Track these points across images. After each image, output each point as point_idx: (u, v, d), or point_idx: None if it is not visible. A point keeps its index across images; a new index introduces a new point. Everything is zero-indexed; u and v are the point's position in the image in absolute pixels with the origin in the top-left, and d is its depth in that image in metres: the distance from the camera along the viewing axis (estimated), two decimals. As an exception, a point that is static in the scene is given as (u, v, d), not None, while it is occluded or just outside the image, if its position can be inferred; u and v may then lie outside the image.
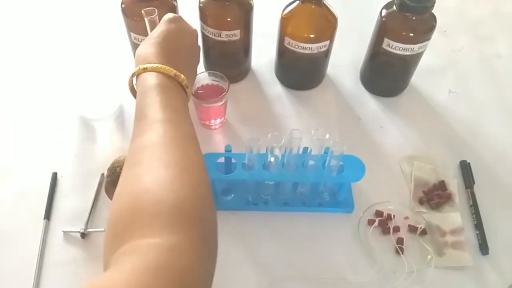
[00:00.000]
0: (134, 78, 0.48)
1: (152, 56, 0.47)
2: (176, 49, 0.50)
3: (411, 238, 0.61)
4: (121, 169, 0.58)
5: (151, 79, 0.45)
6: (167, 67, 0.46)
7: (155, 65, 0.46)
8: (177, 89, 0.47)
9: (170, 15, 0.53)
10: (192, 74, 0.54)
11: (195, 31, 0.55)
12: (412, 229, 0.61)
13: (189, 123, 0.44)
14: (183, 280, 0.29)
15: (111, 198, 0.60)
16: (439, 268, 0.58)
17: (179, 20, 0.53)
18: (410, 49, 0.67)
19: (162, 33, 0.50)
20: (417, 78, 0.77)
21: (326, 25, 0.68)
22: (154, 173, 0.36)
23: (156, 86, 0.44)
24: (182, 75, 0.47)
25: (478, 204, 0.63)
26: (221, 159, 0.60)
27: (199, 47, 0.57)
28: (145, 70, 0.46)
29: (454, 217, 0.62)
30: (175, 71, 0.46)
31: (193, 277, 0.30)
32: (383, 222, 0.62)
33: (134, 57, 0.50)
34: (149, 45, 0.49)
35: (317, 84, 0.79)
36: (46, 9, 0.91)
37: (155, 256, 0.29)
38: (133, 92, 0.49)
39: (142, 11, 0.53)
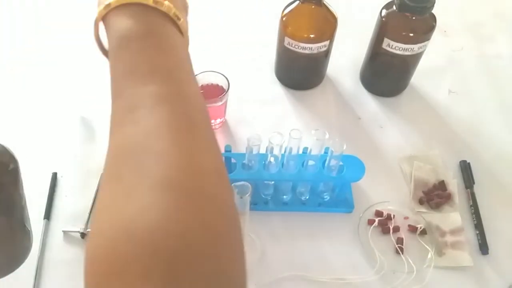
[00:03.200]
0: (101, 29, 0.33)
1: None
2: None
3: (411, 238, 0.61)
4: (121, 169, 0.58)
5: (121, 23, 0.30)
6: None
7: None
8: (165, 29, 0.31)
9: None
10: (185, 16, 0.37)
11: None
12: (412, 229, 0.61)
13: (193, 91, 0.30)
14: None
15: (111, 198, 0.60)
16: (439, 268, 0.58)
17: None
18: (410, 49, 0.67)
19: None
20: (417, 78, 0.77)
21: (326, 25, 0.68)
22: (143, 201, 0.23)
23: (131, 34, 0.30)
24: (166, 2, 0.31)
25: (478, 204, 0.63)
26: (221, 159, 0.60)
27: None
28: (108, 7, 0.31)
29: (454, 217, 0.62)
30: None
31: None
32: (383, 222, 0.61)
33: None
34: None
35: (317, 84, 0.79)
36: (46, 9, 0.91)
37: None
38: (102, 48, 0.35)
39: None
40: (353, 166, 0.59)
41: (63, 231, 0.60)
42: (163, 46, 0.30)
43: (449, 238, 0.60)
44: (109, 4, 0.31)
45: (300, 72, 0.76)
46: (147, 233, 0.22)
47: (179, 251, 0.22)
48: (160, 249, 0.22)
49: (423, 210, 0.63)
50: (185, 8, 0.37)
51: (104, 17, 0.32)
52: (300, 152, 0.57)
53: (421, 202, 0.64)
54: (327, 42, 0.69)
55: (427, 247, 0.59)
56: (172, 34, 0.32)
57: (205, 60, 0.77)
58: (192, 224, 0.23)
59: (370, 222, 0.62)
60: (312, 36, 0.67)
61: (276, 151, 0.55)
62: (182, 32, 0.33)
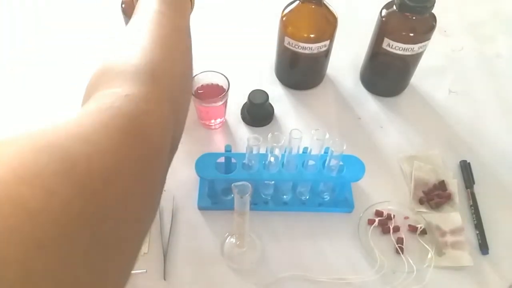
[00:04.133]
0: None
1: None
2: None
3: (411, 238, 0.61)
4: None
5: None
6: None
7: None
8: None
9: None
10: None
11: None
12: (412, 229, 0.61)
13: (181, 16, 0.46)
14: (135, 120, 0.30)
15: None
16: (439, 268, 0.58)
17: None
18: (410, 49, 0.67)
19: None
20: (417, 78, 0.77)
21: (326, 25, 0.68)
22: (131, 40, 0.39)
23: None
24: None
25: (478, 204, 0.63)
26: (221, 159, 0.60)
27: None
28: None
29: (454, 217, 0.62)
30: None
31: (147, 121, 0.31)
32: (383, 222, 0.62)
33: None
34: None
35: (317, 84, 0.79)
36: (46, 9, 0.91)
37: (111, 99, 0.30)
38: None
39: None
40: (353, 166, 0.59)
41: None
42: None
43: (449, 238, 0.60)
44: None
45: (300, 72, 0.77)
46: (129, 52, 0.37)
47: (145, 65, 0.35)
48: (132, 62, 0.35)
49: (423, 210, 0.63)
50: None
51: None
52: (300, 152, 0.57)
53: (421, 202, 0.64)
54: (327, 42, 0.69)
55: (427, 247, 0.59)
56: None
57: (205, 60, 0.78)
58: (158, 53, 0.37)
59: (370, 222, 0.62)
60: (312, 36, 0.67)
61: (276, 151, 0.55)
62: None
